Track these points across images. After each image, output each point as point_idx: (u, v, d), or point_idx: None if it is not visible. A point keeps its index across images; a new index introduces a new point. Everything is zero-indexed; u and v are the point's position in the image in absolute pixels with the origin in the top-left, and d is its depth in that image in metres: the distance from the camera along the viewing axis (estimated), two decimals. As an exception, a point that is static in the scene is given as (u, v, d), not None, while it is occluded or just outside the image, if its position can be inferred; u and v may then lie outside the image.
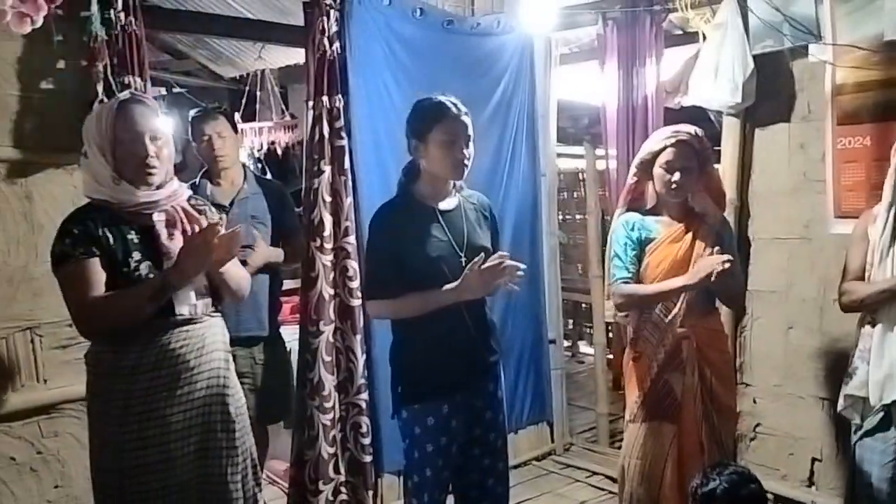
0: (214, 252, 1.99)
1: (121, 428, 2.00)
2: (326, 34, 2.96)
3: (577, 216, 6.80)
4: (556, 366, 4.14)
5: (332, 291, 3.04)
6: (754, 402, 3.31)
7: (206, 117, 3.02)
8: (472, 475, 2.39)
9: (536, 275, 3.95)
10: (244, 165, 3.21)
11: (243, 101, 5.53)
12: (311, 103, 3.03)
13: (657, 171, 2.55)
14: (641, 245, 2.57)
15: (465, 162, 2.25)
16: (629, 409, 2.64)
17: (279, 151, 5.55)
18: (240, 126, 4.42)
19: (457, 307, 2.21)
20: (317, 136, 3.02)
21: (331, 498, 3.04)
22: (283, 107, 5.74)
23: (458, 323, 2.24)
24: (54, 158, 2.47)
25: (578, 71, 4.18)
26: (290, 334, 3.31)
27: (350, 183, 3.09)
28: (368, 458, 3.12)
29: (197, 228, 2.08)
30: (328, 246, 3.03)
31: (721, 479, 2.08)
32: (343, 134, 3.06)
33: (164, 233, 2.03)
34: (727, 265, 2.34)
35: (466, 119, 2.25)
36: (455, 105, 2.24)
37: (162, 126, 2.08)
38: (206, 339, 2.10)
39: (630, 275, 2.55)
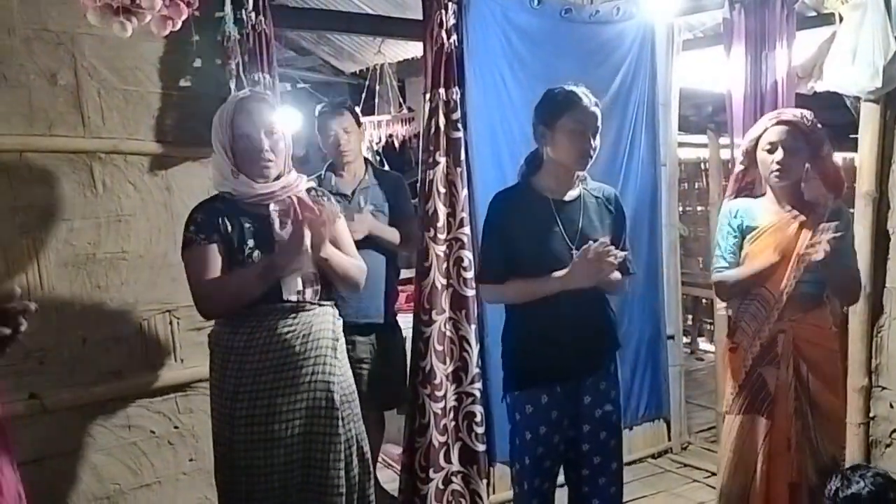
0: (314, 237, 2.07)
1: (233, 403, 2.12)
2: (444, 27, 2.99)
3: (699, 207, 6.58)
4: (674, 362, 4.02)
5: (444, 281, 3.08)
6: (891, 406, 3.09)
7: (332, 113, 3.12)
8: (582, 471, 2.38)
9: (655, 268, 3.84)
10: (366, 159, 3.30)
11: (363, 95, 5.68)
12: (427, 96, 3.07)
13: (760, 154, 2.46)
14: (742, 233, 2.49)
15: (591, 153, 2.25)
16: (725, 400, 2.59)
17: (397, 144, 5.67)
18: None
19: (568, 297, 2.20)
20: (433, 128, 3.05)
21: (441, 486, 3.09)
22: (401, 100, 5.85)
23: (566, 314, 2.23)
24: (191, 152, 2.62)
25: (702, 57, 4.03)
26: (407, 323, 3.38)
27: (465, 174, 3.11)
28: (482, 448, 3.14)
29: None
30: (442, 236, 3.07)
31: (865, 481, 1.98)
32: (459, 126, 3.08)
33: (276, 222, 2.13)
34: (827, 237, 2.22)
35: (596, 110, 2.24)
36: (586, 95, 2.25)
37: (278, 121, 2.17)
38: (314, 327, 2.17)
39: (728, 264, 2.48)
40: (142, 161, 2.54)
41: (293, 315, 2.15)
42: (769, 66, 3.28)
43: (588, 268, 2.15)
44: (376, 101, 5.76)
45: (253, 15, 2.61)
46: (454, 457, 3.13)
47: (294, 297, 2.16)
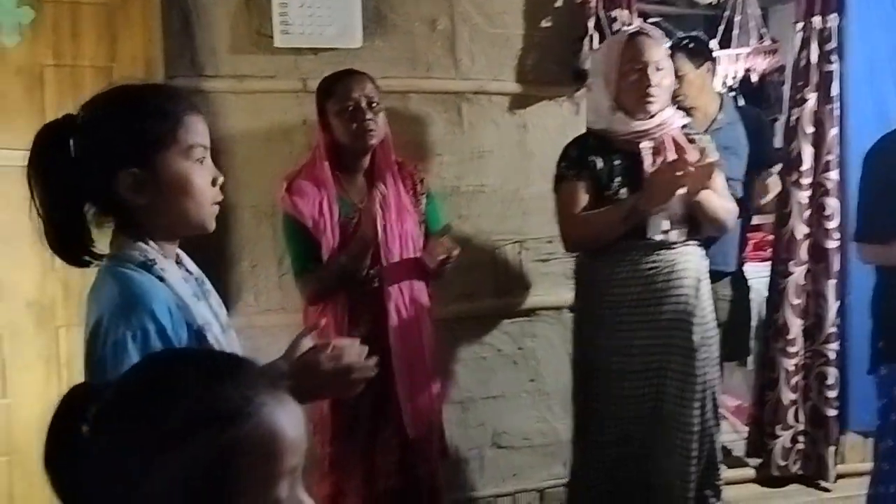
0: (685, 181, 2.01)
1: (594, 331, 2.23)
2: (826, -54, 2.68)
3: None
4: None
5: (806, 230, 2.84)
6: None
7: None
8: None
9: None
10: (721, 94, 3.12)
11: (720, 27, 5.32)
12: (799, 25, 2.80)
13: None
14: None
15: None
16: None
17: (754, 79, 5.24)
18: (715, 54, 4.27)
19: None
20: (803, 62, 2.79)
21: (788, 444, 2.92)
22: (763, 31, 5.37)
23: None
24: (547, 91, 2.72)
25: None
26: (751, 272, 3.20)
27: (837, 112, 2.80)
28: (832, 412, 2.89)
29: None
30: (805, 181, 2.82)
31: None
32: (833, 58, 2.77)
33: (647, 160, 2.13)
34: None
35: None
36: None
37: (665, 56, 2.15)
38: (677, 266, 2.16)
39: None
40: (503, 101, 2.70)
41: (656, 252, 2.16)
42: None
43: None
44: (734, 32, 5.35)
45: (619, -48, 2.59)
46: (802, 417, 2.93)
47: (659, 237, 2.15)
